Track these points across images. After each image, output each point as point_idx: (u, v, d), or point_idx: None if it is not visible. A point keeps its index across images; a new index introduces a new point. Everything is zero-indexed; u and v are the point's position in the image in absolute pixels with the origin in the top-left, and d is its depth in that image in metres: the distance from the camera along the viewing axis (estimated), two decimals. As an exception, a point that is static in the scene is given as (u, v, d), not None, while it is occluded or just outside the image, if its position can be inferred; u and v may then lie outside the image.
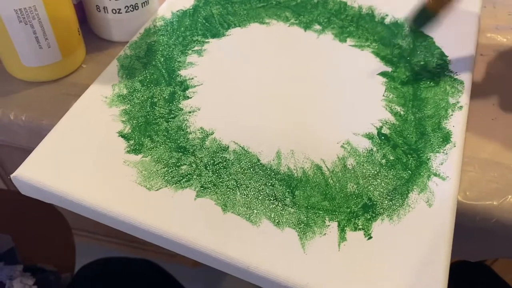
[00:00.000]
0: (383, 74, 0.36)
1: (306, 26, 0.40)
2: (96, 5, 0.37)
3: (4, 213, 0.64)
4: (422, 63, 0.37)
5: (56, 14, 0.33)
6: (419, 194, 0.29)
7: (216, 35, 0.38)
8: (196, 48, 0.37)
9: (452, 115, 0.33)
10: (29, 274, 0.66)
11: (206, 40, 0.38)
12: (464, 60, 0.37)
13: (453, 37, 0.39)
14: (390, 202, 0.28)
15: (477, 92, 0.38)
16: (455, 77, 0.36)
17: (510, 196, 0.31)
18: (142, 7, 0.38)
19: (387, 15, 0.41)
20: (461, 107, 0.33)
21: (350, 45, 0.38)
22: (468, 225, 0.32)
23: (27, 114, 0.34)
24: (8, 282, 0.57)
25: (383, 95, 0.34)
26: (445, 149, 0.31)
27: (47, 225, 0.66)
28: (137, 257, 0.57)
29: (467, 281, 0.50)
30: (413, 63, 0.37)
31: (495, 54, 0.42)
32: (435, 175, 0.30)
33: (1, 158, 0.54)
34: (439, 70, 0.36)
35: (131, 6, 0.38)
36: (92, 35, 0.40)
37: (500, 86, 0.39)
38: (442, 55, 0.38)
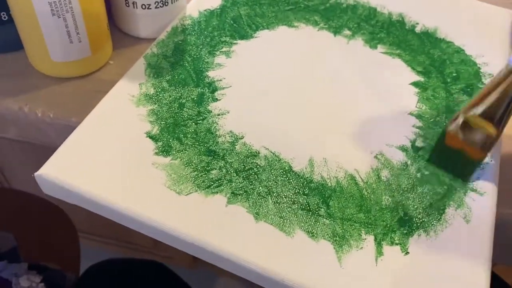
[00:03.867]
0: (415, 84, 0.35)
1: (336, 31, 0.39)
2: (125, 0, 0.36)
3: (6, 211, 0.63)
4: (454, 74, 0.36)
5: (89, 8, 0.32)
6: (456, 210, 0.28)
7: (244, 36, 0.37)
8: (224, 49, 0.36)
9: (487, 129, 0.32)
10: (35, 272, 0.65)
11: (234, 42, 0.37)
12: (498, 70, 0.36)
13: (485, 47, 0.38)
14: (427, 217, 0.27)
15: None
16: (489, 90, 0.35)
17: None
18: (172, 3, 0.38)
19: (417, 23, 0.40)
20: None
21: (381, 52, 0.37)
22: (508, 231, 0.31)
23: (54, 111, 0.33)
24: (15, 279, 0.56)
25: (416, 106, 0.34)
26: (482, 164, 0.30)
27: (50, 224, 0.65)
28: (143, 258, 0.56)
29: None
30: (445, 74, 0.36)
31: None
32: (472, 190, 0.29)
33: (2, 157, 0.53)
34: (472, 81, 0.35)
35: (161, 2, 0.37)
36: (117, 31, 0.39)
37: None
38: (474, 65, 0.37)
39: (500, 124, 0.26)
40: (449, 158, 0.29)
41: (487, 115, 0.26)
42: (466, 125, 0.27)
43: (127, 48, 0.38)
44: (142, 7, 0.36)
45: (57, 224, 0.67)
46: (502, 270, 0.52)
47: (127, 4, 0.36)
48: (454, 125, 0.28)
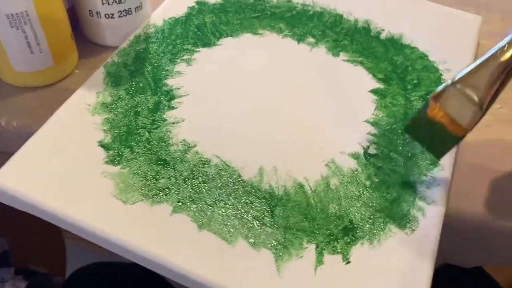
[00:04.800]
0: (374, 91, 0.35)
1: (300, 39, 0.39)
2: (89, 10, 0.37)
3: (-2, 216, 0.63)
4: (415, 81, 0.36)
5: (48, 19, 0.32)
6: (402, 219, 0.28)
7: (207, 44, 0.38)
8: (185, 57, 0.36)
9: (442, 136, 0.32)
10: (21, 277, 0.66)
11: (196, 49, 0.37)
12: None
13: (450, 52, 0.38)
14: (372, 226, 0.27)
15: None
16: (449, 97, 0.35)
17: (504, 203, 0.31)
18: (136, 12, 0.38)
19: (383, 29, 0.40)
20: (452, 128, 0.32)
21: (343, 60, 0.37)
22: (464, 233, 0.32)
23: (18, 120, 0.33)
24: (0, 284, 0.57)
25: (373, 114, 0.34)
26: (432, 173, 0.30)
27: (39, 228, 0.66)
28: (131, 262, 0.56)
29: (459, 280, 0.50)
30: (406, 81, 0.36)
31: None
32: (420, 199, 0.29)
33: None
34: (433, 89, 0.35)
35: (124, 11, 0.37)
36: (84, 39, 0.39)
37: None
38: (436, 71, 0.37)
39: (486, 102, 0.25)
40: (427, 130, 0.27)
41: (475, 90, 0.25)
42: (452, 98, 0.26)
43: (94, 56, 0.39)
44: (105, 16, 0.37)
45: (43, 227, 0.68)
46: (491, 268, 0.52)
47: (91, 14, 0.37)
48: (440, 96, 0.26)
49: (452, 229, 0.31)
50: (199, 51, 0.37)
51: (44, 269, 0.70)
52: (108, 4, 0.36)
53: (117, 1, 0.36)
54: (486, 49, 0.42)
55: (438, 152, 0.28)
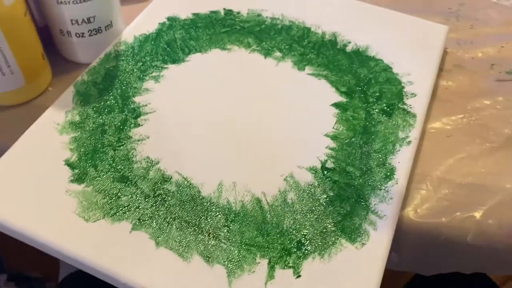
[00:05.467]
0: (336, 105, 0.36)
1: (267, 53, 0.40)
2: (60, 29, 0.38)
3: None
4: (377, 94, 0.37)
5: (17, 41, 0.34)
6: (353, 233, 0.29)
7: (176, 60, 0.39)
8: (154, 74, 0.38)
9: (399, 150, 0.33)
10: (13, 283, 0.67)
11: (165, 66, 0.38)
12: (422, 92, 0.37)
13: (414, 63, 0.39)
14: (324, 240, 0.29)
15: (435, 108, 0.38)
16: (409, 110, 0.36)
17: (458, 213, 0.32)
18: (106, 30, 0.39)
19: (349, 42, 0.41)
20: (409, 142, 0.33)
21: (308, 74, 0.38)
22: (420, 242, 0.32)
23: (-8, 138, 0.34)
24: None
25: (333, 127, 0.35)
26: (386, 186, 0.31)
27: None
28: None
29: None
30: (369, 94, 0.37)
31: (455, 69, 0.42)
32: (373, 213, 0.30)
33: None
34: (393, 101, 0.36)
35: (94, 30, 0.38)
36: (59, 56, 0.41)
37: (458, 103, 0.39)
38: (399, 84, 0.37)
39: None
40: None
41: None
42: None
43: (68, 73, 0.40)
44: (76, 35, 0.38)
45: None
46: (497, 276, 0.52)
47: (62, 33, 0.38)
48: None
49: (407, 238, 0.33)
50: (167, 67, 0.38)
51: (38, 274, 0.71)
52: (78, 24, 0.37)
53: (87, 20, 0.37)
54: (453, 57, 0.43)
55: None
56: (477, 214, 0.32)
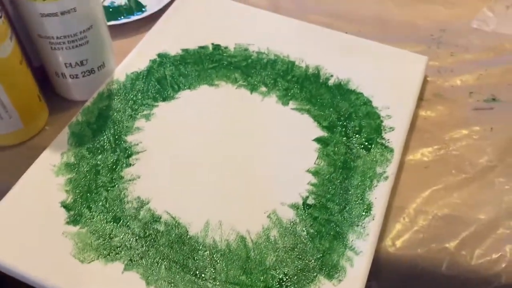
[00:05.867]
0: (318, 140, 0.38)
1: (253, 88, 0.42)
2: (55, 71, 0.40)
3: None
4: (357, 128, 0.39)
5: (14, 88, 0.36)
6: (331, 270, 0.31)
7: (166, 98, 0.41)
8: (145, 112, 0.40)
9: (376, 186, 0.35)
10: None
11: (156, 104, 0.40)
12: (399, 126, 0.39)
13: (393, 96, 0.41)
14: (303, 277, 0.30)
15: (413, 139, 0.40)
16: (387, 144, 0.37)
17: (434, 245, 0.34)
18: (99, 70, 0.41)
19: (332, 75, 0.43)
20: (386, 177, 0.35)
21: (292, 108, 0.40)
22: (398, 273, 0.34)
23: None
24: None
25: (315, 163, 0.36)
26: (363, 223, 0.33)
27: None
28: None
29: None
30: (349, 128, 0.39)
31: (435, 98, 0.44)
32: (350, 249, 0.32)
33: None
34: (372, 136, 0.38)
35: (88, 71, 0.40)
36: (55, 94, 0.43)
37: (436, 133, 0.41)
38: (378, 118, 0.39)
39: None
40: None
41: None
42: None
43: (64, 111, 0.42)
44: (70, 77, 0.40)
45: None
46: None
47: (57, 75, 0.40)
48: None
49: (386, 269, 0.34)
50: (158, 105, 0.40)
51: None
52: (72, 67, 0.39)
53: (80, 63, 0.39)
54: (433, 86, 0.45)
55: None
56: (451, 245, 0.34)
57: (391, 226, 0.35)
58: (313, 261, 0.31)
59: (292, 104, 0.41)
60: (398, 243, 0.34)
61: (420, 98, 0.43)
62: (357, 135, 0.38)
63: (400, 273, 0.35)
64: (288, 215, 0.34)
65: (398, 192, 0.37)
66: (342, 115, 0.40)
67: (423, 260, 0.34)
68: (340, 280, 0.30)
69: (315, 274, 0.31)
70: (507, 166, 0.38)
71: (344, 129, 0.39)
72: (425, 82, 0.45)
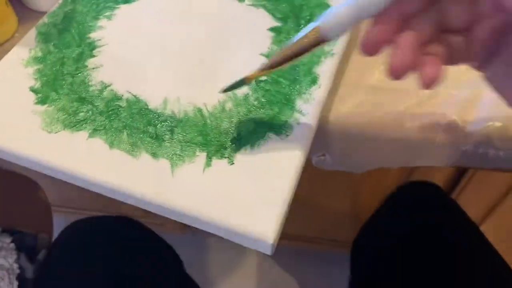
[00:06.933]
0: (272, 29, 0.40)
1: (210, -11, 0.44)
2: (21, -20, 0.42)
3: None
4: (308, 17, 0.41)
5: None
6: (279, 127, 0.33)
7: (127, 1, 0.43)
8: (107, 13, 0.42)
9: (323, 61, 0.37)
10: (7, 234, 0.72)
11: (117, 6, 0.42)
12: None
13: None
14: (255, 135, 0.33)
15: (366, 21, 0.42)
16: (335, 28, 0.40)
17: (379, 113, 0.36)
18: (63, -21, 0.43)
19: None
20: (333, 54, 0.38)
21: (248, 5, 0.42)
22: (346, 142, 0.37)
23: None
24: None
25: (268, 47, 0.39)
26: (310, 90, 0.36)
27: (24, 194, 0.71)
28: (119, 215, 0.60)
29: (417, 199, 0.53)
30: (301, 18, 0.41)
31: None
32: (297, 111, 0.34)
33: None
34: (322, 23, 0.40)
35: (52, -21, 0.42)
36: (24, 6, 0.45)
37: None
38: (327, 7, 0.42)
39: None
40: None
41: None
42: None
43: (32, 21, 0.44)
44: (36, -16, 0.42)
45: (30, 194, 0.74)
46: (504, 249, 0.49)
47: (23, -17, 0.42)
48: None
49: (334, 139, 0.37)
50: (119, 7, 0.42)
51: (30, 230, 0.76)
52: (36, -27, 0.41)
53: (43, -31, 0.41)
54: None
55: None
56: (397, 111, 0.37)
57: (338, 99, 0.38)
58: (263, 122, 0.34)
59: (247, 1, 0.43)
60: (345, 112, 0.37)
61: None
62: (307, 23, 0.41)
63: (348, 142, 0.38)
64: (242, 90, 0.36)
65: (348, 71, 0.39)
66: (295, 7, 0.42)
67: (369, 127, 0.37)
68: (287, 135, 0.33)
69: (264, 132, 0.33)
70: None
71: (296, 19, 0.41)
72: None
